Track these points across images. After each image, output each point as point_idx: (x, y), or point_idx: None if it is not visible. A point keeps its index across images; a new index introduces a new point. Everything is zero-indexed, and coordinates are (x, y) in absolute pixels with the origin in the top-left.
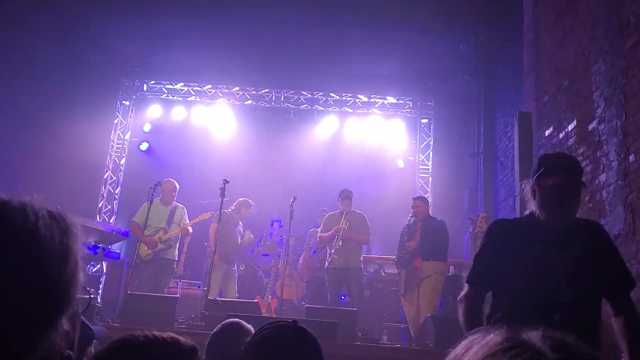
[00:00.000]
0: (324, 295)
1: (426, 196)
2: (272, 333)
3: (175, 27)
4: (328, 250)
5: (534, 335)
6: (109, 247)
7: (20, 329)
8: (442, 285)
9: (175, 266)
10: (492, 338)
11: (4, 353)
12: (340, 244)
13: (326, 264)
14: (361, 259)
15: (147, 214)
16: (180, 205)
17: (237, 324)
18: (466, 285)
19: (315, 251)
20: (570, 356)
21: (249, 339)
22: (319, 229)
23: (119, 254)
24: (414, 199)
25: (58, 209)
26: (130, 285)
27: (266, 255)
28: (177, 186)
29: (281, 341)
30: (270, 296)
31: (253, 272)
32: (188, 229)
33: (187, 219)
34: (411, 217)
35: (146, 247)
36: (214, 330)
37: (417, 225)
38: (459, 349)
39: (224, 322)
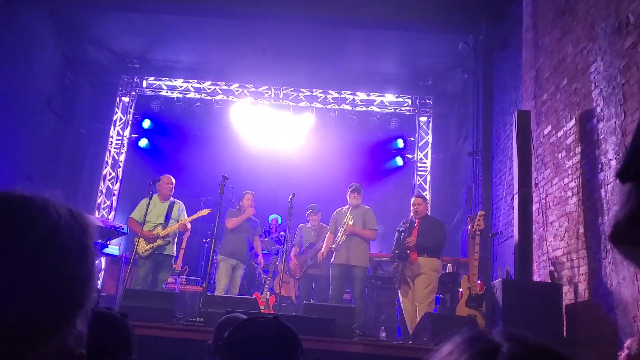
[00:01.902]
0: (317, 291)
1: (424, 194)
2: (251, 329)
3: (174, 23)
4: (325, 246)
5: (496, 332)
6: (108, 243)
7: (35, 325)
8: (437, 283)
9: (173, 262)
10: (460, 337)
11: (15, 348)
12: (344, 239)
13: (331, 259)
14: (367, 257)
15: (147, 210)
16: (178, 201)
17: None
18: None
19: (303, 249)
20: (526, 349)
21: (227, 334)
22: (308, 224)
23: (118, 249)
24: (415, 196)
25: (76, 208)
26: (128, 281)
27: (265, 252)
28: (174, 181)
29: (260, 338)
30: (268, 293)
31: (252, 269)
32: (186, 225)
33: (185, 215)
34: (413, 213)
35: (144, 243)
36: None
37: (414, 222)
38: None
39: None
